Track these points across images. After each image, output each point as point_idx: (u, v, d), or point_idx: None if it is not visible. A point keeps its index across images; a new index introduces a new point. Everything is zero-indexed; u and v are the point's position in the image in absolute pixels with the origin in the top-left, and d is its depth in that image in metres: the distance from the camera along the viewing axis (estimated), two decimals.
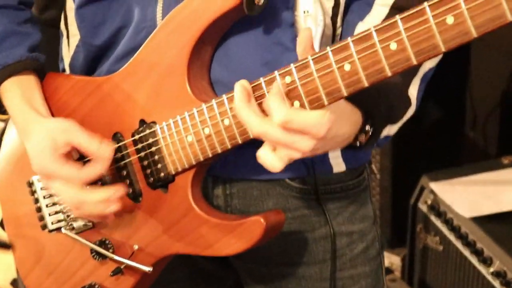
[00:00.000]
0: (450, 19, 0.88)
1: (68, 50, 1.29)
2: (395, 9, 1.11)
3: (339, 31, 1.17)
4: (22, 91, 1.20)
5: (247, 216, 1.13)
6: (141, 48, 1.14)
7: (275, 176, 1.17)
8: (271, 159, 0.98)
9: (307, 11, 1.12)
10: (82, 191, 1.14)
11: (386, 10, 1.12)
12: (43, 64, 1.25)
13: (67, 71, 1.31)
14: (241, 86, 1.00)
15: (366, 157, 1.31)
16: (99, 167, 1.14)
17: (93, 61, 1.24)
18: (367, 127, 1.07)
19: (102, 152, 1.13)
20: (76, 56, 1.27)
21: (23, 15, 1.27)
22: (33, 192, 1.27)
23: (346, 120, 1.04)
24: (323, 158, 1.20)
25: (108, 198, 1.13)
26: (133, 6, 1.16)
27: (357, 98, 1.03)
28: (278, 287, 1.26)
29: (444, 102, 2.58)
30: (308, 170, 1.19)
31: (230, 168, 1.19)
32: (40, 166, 1.15)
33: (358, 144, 1.08)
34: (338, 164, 1.22)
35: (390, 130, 1.13)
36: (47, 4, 1.33)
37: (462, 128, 2.64)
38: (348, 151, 1.12)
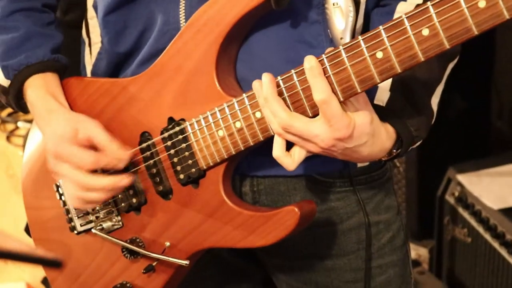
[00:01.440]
0: (482, 3, 0.88)
1: (90, 57, 1.31)
2: None
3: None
4: (47, 86, 1.22)
5: (278, 207, 1.13)
6: (166, 48, 1.15)
7: (302, 171, 1.19)
8: (286, 160, 1.05)
9: (336, 3, 1.12)
10: (89, 176, 1.15)
11: None
12: (64, 65, 1.26)
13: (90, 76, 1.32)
14: (269, 76, 1.03)
15: None
16: (113, 160, 1.15)
17: (116, 67, 1.25)
18: (394, 151, 1.10)
19: (121, 153, 1.15)
20: (98, 63, 1.28)
21: (46, 17, 1.29)
22: (60, 195, 1.28)
23: (379, 144, 1.07)
24: None
25: (114, 185, 1.15)
26: (155, 10, 1.18)
27: (395, 125, 1.08)
28: (307, 279, 1.27)
29: (469, 92, 2.56)
30: (335, 164, 1.20)
31: (257, 166, 1.19)
32: (54, 146, 1.16)
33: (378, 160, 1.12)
34: None
35: (414, 146, 1.15)
36: (70, 6, 1.34)
37: (488, 117, 2.61)
38: None
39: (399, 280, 1.29)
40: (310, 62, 1.01)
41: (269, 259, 1.29)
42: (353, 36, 1.15)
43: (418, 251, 2.50)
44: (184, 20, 1.15)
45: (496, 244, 2.11)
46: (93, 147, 1.17)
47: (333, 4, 1.12)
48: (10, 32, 1.24)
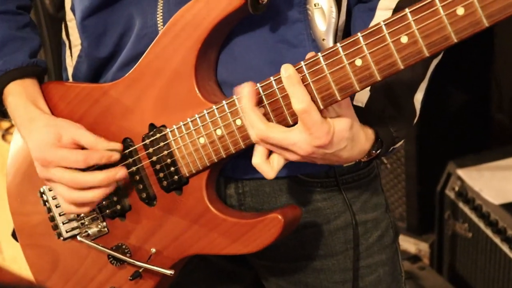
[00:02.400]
0: (460, 10, 0.86)
1: (71, 60, 1.29)
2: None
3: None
4: (26, 93, 1.21)
5: (263, 213, 1.12)
6: (145, 54, 1.14)
7: (288, 173, 1.18)
8: (266, 168, 1.04)
9: (318, 4, 1.10)
10: (84, 173, 1.13)
11: (388, 14, 1.10)
12: (43, 69, 1.25)
13: (71, 81, 1.30)
14: (250, 87, 1.01)
15: None
16: (105, 154, 1.14)
17: (97, 70, 1.24)
18: (373, 152, 1.09)
19: (111, 144, 1.14)
20: (78, 66, 1.27)
21: (22, 20, 1.27)
22: (45, 202, 1.27)
23: (359, 147, 1.06)
24: None
25: (111, 178, 1.13)
26: (133, 13, 1.16)
27: (375, 126, 1.06)
28: (296, 281, 1.26)
29: (468, 85, 2.53)
30: (320, 165, 1.18)
31: (241, 169, 1.18)
32: (41, 153, 1.15)
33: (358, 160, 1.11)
34: None
35: (396, 145, 1.14)
36: (63, 2, 1.33)
37: (488, 110, 2.58)
38: None
39: (389, 279, 1.28)
40: (287, 70, 0.99)
41: (258, 261, 1.29)
42: (335, 37, 1.13)
43: (418, 246, 2.48)
44: (162, 24, 1.13)
45: (497, 240, 2.08)
46: (79, 148, 1.16)
47: (315, 5, 1.10)
48: None
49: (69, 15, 1.27)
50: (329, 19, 1.11)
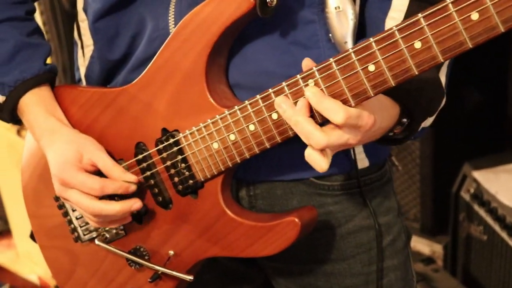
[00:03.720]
0: (475, 15, 0.85)
1: (83, 60, 1.30)
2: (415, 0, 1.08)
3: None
4: (45, 103, 1.21)
5: (279, 215, 1.12)
6: (155, 57, 1.13)
7: (299, 175, 1.18)
8: (319, 160, 0.97)
9: (339, 7, 1.09)
10: (99, 203, 1.14)
11: (406, 3, 1.08)
12: (56, 73, 1.25)
13: (83, 81, 1.32)
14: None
15: (388, 150, 1.31)
16: (117, 185, 1.14)
17: (109, 72, 1.24)
18: (404, 120, 1.07)
19: (127, 176, 1.15)
20: (91, 66, 1.27)
21: (30, 25, 1.27)
22: (61, 206, 1.28)
23: (387, 114, 1.04)
24: (347, 156, 1.20)
25: (126, 210, 1.14)
26: (145, 15, 1.16)
27: (397, 93, 1.03)
28: (307, 284, 1.26)
29: (484, 86, 2.51)
30: (333, 167, 1.16)
31: (253, 172, 1.18)
32: (60, 172, 1.15)
33: (391, 134, 1.07)
34: (361, 160, 1.21)
35: (427, 122, 1.12)
36: None
37: (504, 111, 2.55)
38: (370, 146, 1.12)
39: (401, 284, 1.27)
40: (310, 90, 0.96)
41: (269, 263, 1.29)
42: (354, 37, 1.12)
43: (432, 247, 2.47)
44: (173, 26, 1.13)
45: None
46: (98, 170, 1.16)
47: (335, 8, 1.10)
48: None
49: (81, 15, 1.27)
50: (349, 20, 1.11)
